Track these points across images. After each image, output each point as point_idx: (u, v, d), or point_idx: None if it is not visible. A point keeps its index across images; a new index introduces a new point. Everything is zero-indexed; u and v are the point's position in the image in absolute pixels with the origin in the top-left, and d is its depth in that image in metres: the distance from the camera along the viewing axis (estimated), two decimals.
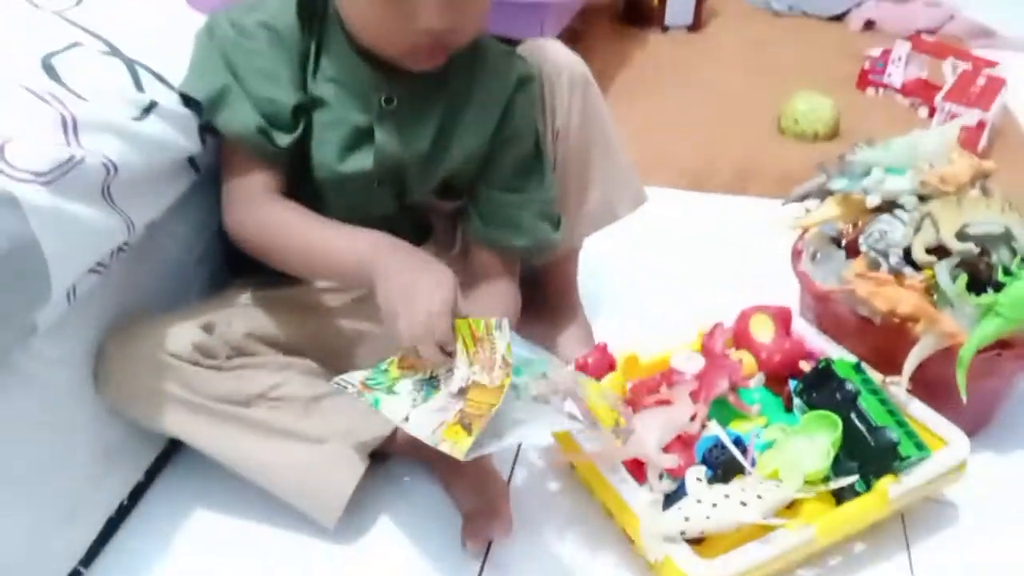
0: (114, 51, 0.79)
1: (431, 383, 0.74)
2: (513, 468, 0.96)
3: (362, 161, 0.87)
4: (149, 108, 0.77)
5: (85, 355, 0.79)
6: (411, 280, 0.74)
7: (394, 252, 0.78)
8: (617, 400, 0.81)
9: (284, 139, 0.83)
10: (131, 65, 0.78)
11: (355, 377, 0.76)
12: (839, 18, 2.39)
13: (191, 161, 0.85)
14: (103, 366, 0.80)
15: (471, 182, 0.93)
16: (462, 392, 0.72)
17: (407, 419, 0.71)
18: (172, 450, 0.93)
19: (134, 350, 0.79)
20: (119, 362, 0.79)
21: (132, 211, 0.75)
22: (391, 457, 0.92)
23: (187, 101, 0.82)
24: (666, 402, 0.87)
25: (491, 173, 0.93)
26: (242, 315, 0.87)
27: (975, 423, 0.99)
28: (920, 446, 0.85)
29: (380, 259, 0.77)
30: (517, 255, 0.95)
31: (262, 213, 0.84)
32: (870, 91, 1.96)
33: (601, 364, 0.94)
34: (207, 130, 0.84)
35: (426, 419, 0.71)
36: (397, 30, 0.78)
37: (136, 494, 0.90)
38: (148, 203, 0.79)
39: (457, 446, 0.67)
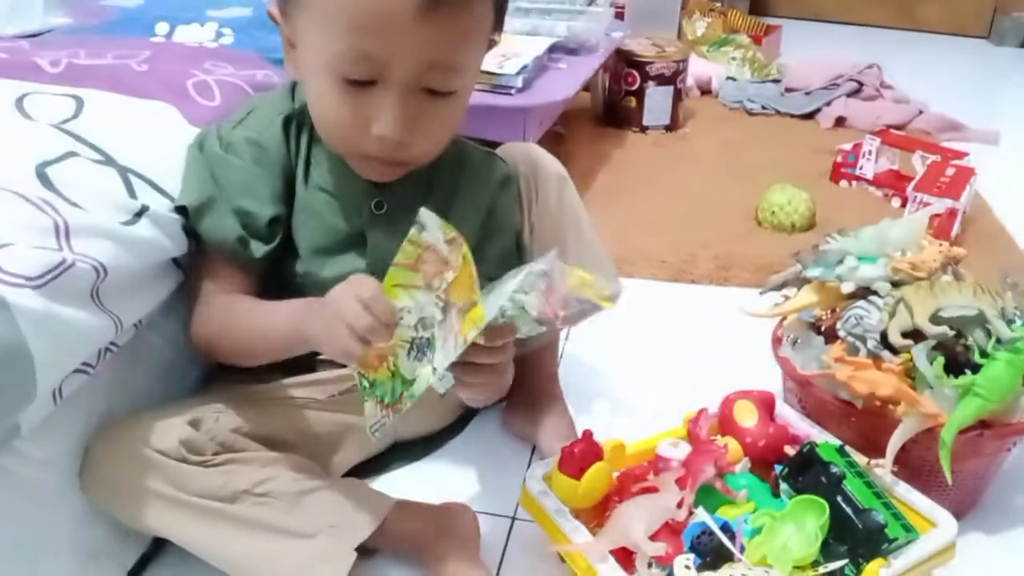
0: (108, 160, 0.82)
1: (423, 346, 0.74)
2: (502, 562, 0.95)
3: (354, 264, 0.89)
4: (140, 213, 0.79)
5: (71, 456, 0.79)
6: (328, 307, 0.75)
7: (315, 304, 0.78)
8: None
9: (261, 249, 0.86)
10: (124, 173, 0.81)
11: (377, 415, 0.75)
12: (810, 116, 2.48)
13: (176, 261, 0.87)
14: (89, 464, 0.80)
15: None
16: (446, 307, 0.72)
17: (434, 370, 0.72)
18: (154, 551, 0.92)
19: (120, 447, 0.80)
20: (105, 460, 0.80)
21: (120, 311, 0.76)
22: (379, 552, 0.91)
23: (177, 207, 0.85)
24: (653, 489, 0.87)
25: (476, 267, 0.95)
26: (229, 411, 0.87)
27: (962, 504, 0.99)
28: (907, 528, 0.85)
29: (305, 315, 0.78)
30: None
31: (213, 305, 0.86)
32: (844, 183, 2.02)
33: (588, 453, 0.94)
34: (191, 234, 0.87)
35: (444, 354, 0.71)
36: (352, 131, 0.81)
37: None
38: (136, 303, 0.80)
39: (478, 323, 0.68)
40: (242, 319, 0.85)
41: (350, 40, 0.75)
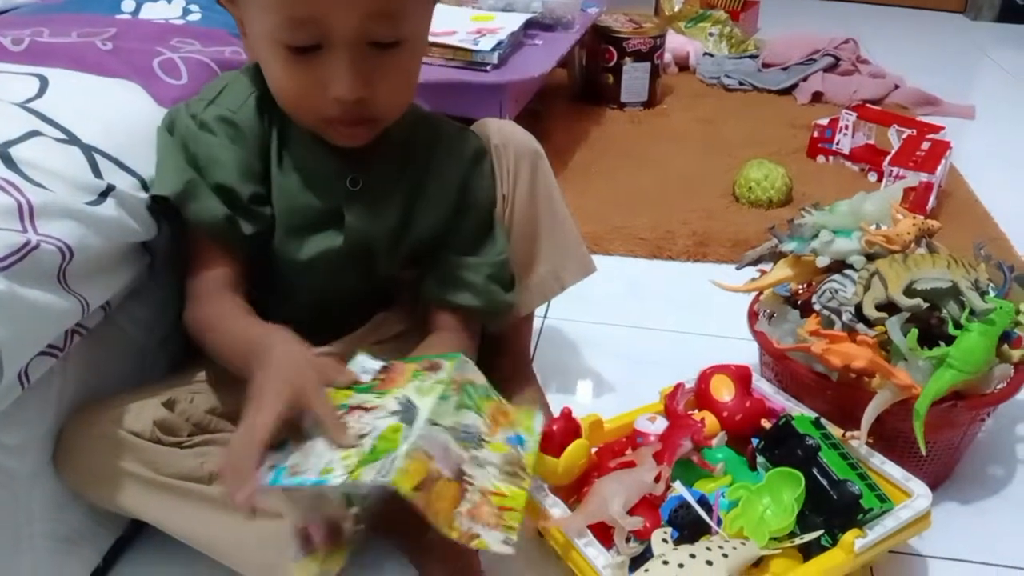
0: (72, 139, 0.80)
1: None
2: None
3: (331, 241, 0.88)
4: (106, 192, 0.78)
5: (43, 441, 0.78)
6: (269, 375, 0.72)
7: (280, 345, 0.76)
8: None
9: (248, 228, 0.85)
10: (88, 151, 0.79)
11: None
12: (788, 91, 2.48)
13: (145, 245, 0.85)
14: (63, 447, 0.79)
15: (432, 251, 0.96)
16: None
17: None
18: (132, 534, 0.91)
19: (94, 429, 0.79)
20: (79, 442, 0.79)
21: (87, 293, 0.75)
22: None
23: (149, 190, 0.84)
24: (630, 464, 0.87)
25: (450, 241, 0.95)
26: (204, 392, 0.86)
27: (937, 475, 1.01)
28: (882, 498, 0.86)
29: (263, 350, 0.75)
30: (473, 316, 0.96)
31: (209, 307, 0.85)
32: (820, 159, 2.02)
33: (566, 430, 0.94)
34: (165, 216, 0.85)
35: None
36: (310, 99, 0.80)
37: None
38: (103, 285, 0.79)
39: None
40: (226, 325, 0.83)
41: (285, 8, 0.74)
